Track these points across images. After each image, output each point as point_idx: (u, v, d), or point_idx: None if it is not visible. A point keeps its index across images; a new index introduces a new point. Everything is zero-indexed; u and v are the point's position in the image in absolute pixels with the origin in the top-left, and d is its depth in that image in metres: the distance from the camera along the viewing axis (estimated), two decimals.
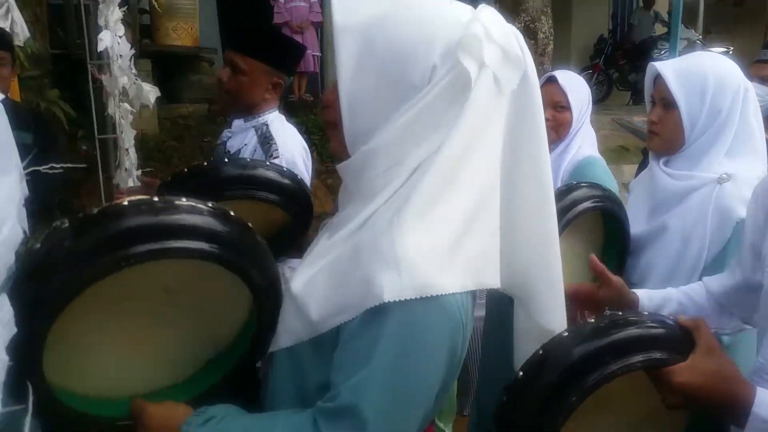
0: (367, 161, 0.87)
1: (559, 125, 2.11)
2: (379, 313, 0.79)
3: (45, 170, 1.06)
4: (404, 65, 0.84)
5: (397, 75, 0.84)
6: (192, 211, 0.82)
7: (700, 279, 1.45)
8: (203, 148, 5.36)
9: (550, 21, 3.60)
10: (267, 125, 1.97)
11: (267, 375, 0.98)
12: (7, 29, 2.76)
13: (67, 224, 0.76)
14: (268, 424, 0.85)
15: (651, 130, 1.62)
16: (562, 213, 1.41)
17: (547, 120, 2.14)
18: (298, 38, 5.67)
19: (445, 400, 0.96)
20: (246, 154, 1.95)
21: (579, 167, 2.04)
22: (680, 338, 0.88)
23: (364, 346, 0.80)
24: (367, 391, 0.78)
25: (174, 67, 6.20)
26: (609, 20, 10.73)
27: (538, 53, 3.55)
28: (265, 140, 1.93)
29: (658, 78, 1.59)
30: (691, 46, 9.30)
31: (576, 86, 2.14)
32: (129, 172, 2.79)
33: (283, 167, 1.38)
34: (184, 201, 0.83)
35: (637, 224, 1.63)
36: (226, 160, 1.68)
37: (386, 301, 0.78)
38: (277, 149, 1.90)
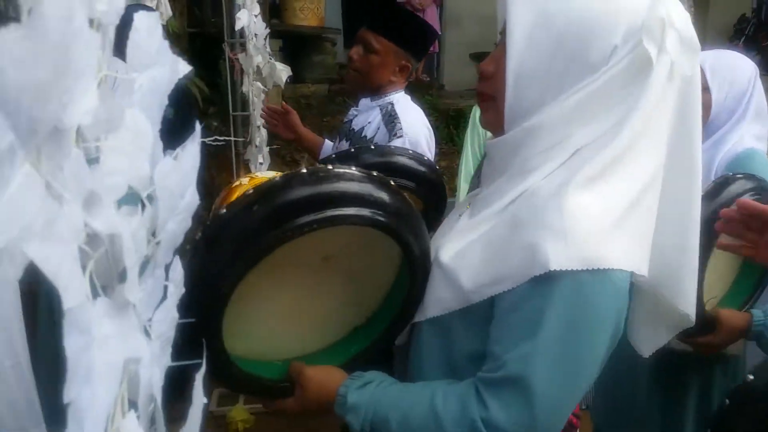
0: (526, 138, 0.86)
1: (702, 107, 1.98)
2: (544, 283, 0.78)
3: (209, 142, 1.13)
4: (585, 43, 0.82)
5: (574, 53, 0.82)
6: (355, 179, 0.85)
7: None
8: (323, 127, 5.49)
9: None
10: (392, 104, 1.98)
11: (410, 347, 0.99)
12: (153, 8, 2.94)
13: (251, 191, 0.80)
14: (426, 392, 0.85)
15: None
16: (718, 210, 1.33)
17: None
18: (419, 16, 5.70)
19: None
20: (369, 131, 1.97)
21: (737, 160, 1.87)
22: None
23: (530, 316, 0.79)
24: (536, 363, 0.77)
25: (299, 47, 6.37)
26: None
27: None
28: (390, 119, 1.94)
29: None
30: None
31: (721, 65, 1.96)
32: (259, 149, 2.90)
33: (422, 156, 1.38)
34: (351, 169, 0.85)
35: None
36: (372, 146, 1.71)
37: (553, 269, 0.76)
38: (401, 128, 1.90)
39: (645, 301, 1.00)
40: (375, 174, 0.87)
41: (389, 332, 1.00)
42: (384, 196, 0.86)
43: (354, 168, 0.86)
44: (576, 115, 0.83)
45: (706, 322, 1.45)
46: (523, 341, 0.78)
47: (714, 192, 1.39)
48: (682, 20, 0.84)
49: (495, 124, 0.91)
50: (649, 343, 1.06)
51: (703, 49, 2.13)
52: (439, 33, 6.63)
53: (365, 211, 0.83)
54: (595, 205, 0.80)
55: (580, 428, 1.26)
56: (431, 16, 6.25)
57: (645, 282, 0.91)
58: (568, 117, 0.83)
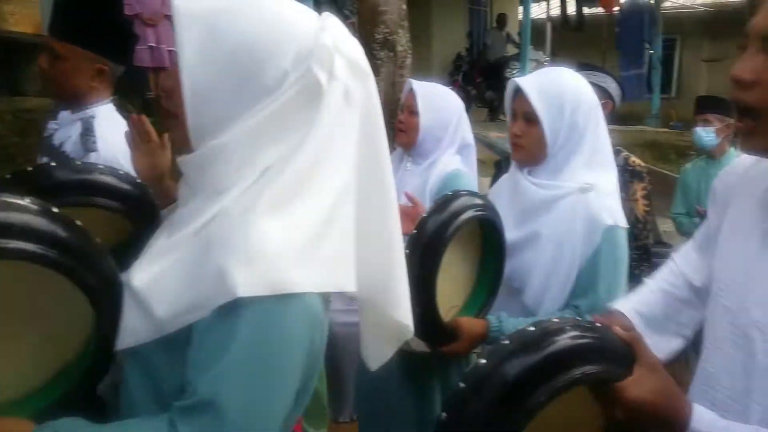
0: (215, 157, 0.86)
1: (409, 128, 2.20)
2: (232, 308, 0.78)
3: None
4: (257, 65, 0.84)
5: (248, 73, 0.84)
6: (13, 209, 0.78)
7: (576, 281, 1.57)
8: None
9: (408, 34, 3.65)
10: (93, 117, 1.85)
11: (120, 383, 0.94)
12: None
13: None
14: (119, 431, 0.83)
15: (515, 143, 1.67)
16: (446, 223, 1.47)
17: (399, 122, 2.22)
18: (150, 31, 5.46)
19: (306, 400, 0.96)
20: (68, 147, 1.83)
21: (447, 179, 2.11)
22: (621, 351, 0.85)
23: (219, 341, 0.79)
24: (225, 385, 0.78)
25: (14, 56, 5.64)
26: (466, 39, 11.26)
27: (397, 65, 3.58)
28: (86, 132, 1.82)
29: (518, 93, 1.65)
30: (539, 67, 9.99)
31: (431, 95, 2.22)
32: None
33: (126, 173, 1.25)
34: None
35: (508, 230, 1.67)
36: (66, 162, 1.52)
37: (240, 296, 0.76)
38: (95, 143, 1.78)
39: (368, 316, 1.04)
40: (33, 201, 0.81)
41: (93, 371, 0.93)
42: (44, 225, 0.80)
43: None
44: (259, 135, 0.84)
45: (447, 331, 1.56)
46: (213, 364, 0.78)
47: (440, 207, 1.49)
48: (351, 48, 0.89)
49: (183, 141, 0.89)
50: (376, 357, 1.08)
51: (427, 80, 2.38)
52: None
53: (16, 244, 0.76)
54: (282, 229, 0.81)
55: None
56: (165, 32, 5.96)
57: (360, 297, 0.93)
58: (252, 137, 0.84)
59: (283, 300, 0.79)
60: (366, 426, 2.12)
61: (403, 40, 3.57)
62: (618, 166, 2.61)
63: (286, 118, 0.85)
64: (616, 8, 10.81)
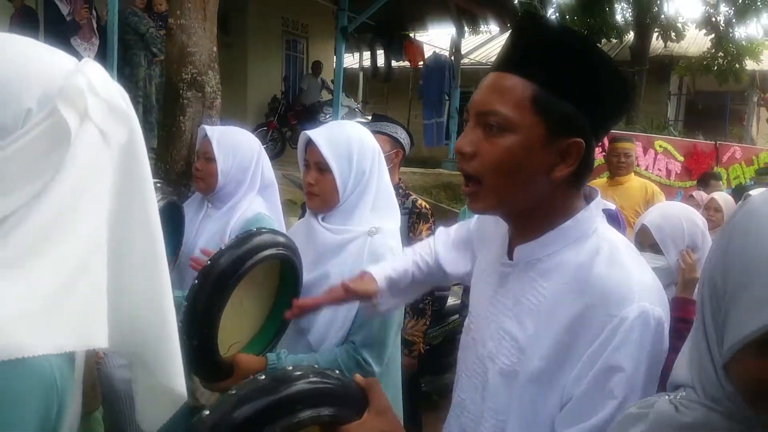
0: None
1: (206, 175, 2.21)
2: None
3: None
4: None
5: None
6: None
7: (355, 317, 1.66)
8: None
9: (218, 76, 3.68)
10: None
11: None
12: None
13: None
14: None
15: (309, 191, 1.76)
16: (242, 259, 1.47)
17: (197, 170, 2.22)
18: None
19: None
20: None
21: (248, 223, 2.12)
22: (355, 396, 0.90)
23: None
24: None
25: None
26: (282, 82, 11.49)
27: (206, 106, 3.58)
28: None
29: (310, 144, 1.76)
30: (352, 114, 10.48)
31: (227, 139, 2.23)
32: None
33: None
34: None
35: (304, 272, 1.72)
36: None
37: None
38: None
39: (138, 376, 0.97)
40: None
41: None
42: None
43: None
44: None
45: (225, 367, 1.54)
46: None
47: (239, 242, 1.49)
48: (108, 89, 0.85)
49: None
50: (151, 419, 1.01)
51: (243, 124, 2.37)
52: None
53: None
54: (15, 290, 0.74)
55: None
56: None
57: (128, 355, 0.87)
58: None
59: (11, 365, 0.71)
60: None
61: (212, 81, 3.59)
62: (407, 208, 2.89)
63: (27, 163, 0.77)
64: (421, 63, 11.74)
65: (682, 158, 8.88)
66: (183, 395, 0.96)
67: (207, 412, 0.80)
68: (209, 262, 1.46)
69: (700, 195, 4.38)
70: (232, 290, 1.46)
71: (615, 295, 0.93)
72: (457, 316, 4.04)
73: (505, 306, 1.07)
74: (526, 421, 1.00)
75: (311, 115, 10.30)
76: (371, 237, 1.72)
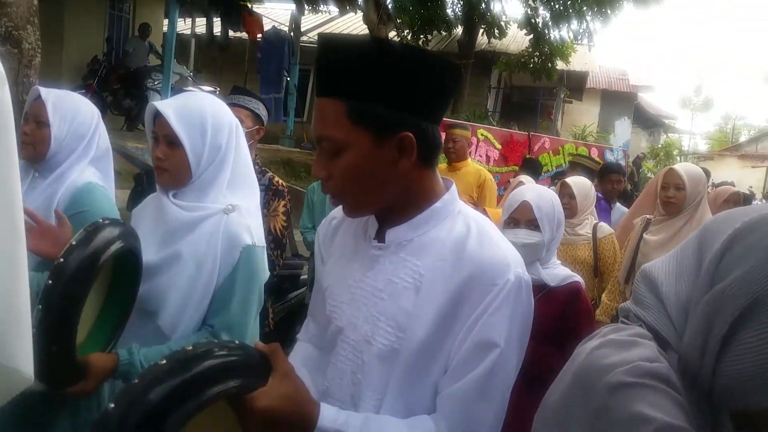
0: None
1: (36, 141, 1.96)
2: None
3: None
4: None
5: None
6: None
7: (211, 300, 1.60)
8: None
9: (38, 32, 3.30)
10: None
11: None
12: None
13: None
14: None
15: (159, 166, 1.66)
16: (94, 256, 1.37)
17: (25, 135, 1.98)
18: None
19: None
20: None
21: (78, 193, 1.93)
22: (258, 364, 0.91)
23: None
24: None
25: None
26: (104, 43, 10.57)
27: (23, 64, 3.21)
28: None
29: (158, 116, 1.64)
30: (183, 81, 9.95)
31: (65, 105, 2.00)
32: None
33: None
34: None
35: (149, 252, 1.63)
36: None
37: None
38: None
39: None
40: None
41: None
42: None
43: None
44: None
45: (75, 370, 1.44)
46: None
47: (86, 239, 1.38)
48: None
49: None
50: None
51: (58, 85, 2.14)
52: None
53: None
54: None
55: None
56: None
57: None
58: None
59: None
60: None
61: (31, 37, 3.23)
62: (263, 185, 2.85)
63: None
64: (260, 36, 11.43)
65: (500, 146, 9.66)
66: (29, 378, 0.87)
67: (112, 405, 0.78)
68: (62, 260, 1.34)
69: (527, 178, 4.82)
70: (89, 290, 1.37)
71: (494, 265, 1.05)
72: (303, 289, 4.07)
73: (375, 288, 1.12)
74: (408, 393, 1.07)
75: (137, 80, 9.63)
76: (227, 215, 1.65)
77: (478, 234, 1.10)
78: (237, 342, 0.93)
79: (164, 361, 0.84)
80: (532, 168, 6.53)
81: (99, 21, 10.52)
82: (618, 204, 5.03)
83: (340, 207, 1.24)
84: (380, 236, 1.15)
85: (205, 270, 1.61)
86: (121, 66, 10.04)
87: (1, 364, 0.84)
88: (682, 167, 3.31)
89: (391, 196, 1.11)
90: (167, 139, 1.64)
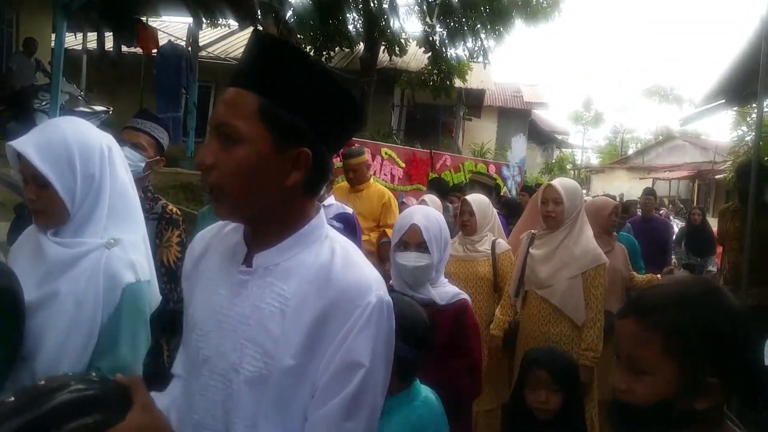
0: None
1: None
2: None
3: None
4: None
5: None
6: None
7: (97, 341, 1.51)
8: None
9: None
10: None
11: None
12: None
13: None
14: None
15: (33, 208, 1.58)
16: None
17: None
18: None
19: None
20: None
21: None
22: (117, 397, 0.89)
23: None
24: None
25: None
26: None
27: None
28: None
29: (22, 156, 1.53)
30: (73, 101, 9.49)
31: None
32: None
33: None
34: None
35: (27, 292, 1.52)
36: None
37: None
38: None
39: None
40: None
41: None
42: None
43: None
44: None
45: None
46: None
47: None
48: None
49: None
50: None
51: None
52: None
53: None
54: None
55: None
56: None
57: None
58: None
59: None
60: None
61: None
62: (156, 213, 2.70)
63: None
64: (155, 51, 11.05)
65: (403, 164, 9.87)
66: None
67: None
68: None
69: (431, 198, 4.96)
70: None
71: (357, 288, 1.09)
72: None
73: (242, 315, 1.12)
74: (280, 419, 1.08)
75: (23, 100, 9.06)
76: (109, 250, 1.59)
77: (343, 258, 1.14)
78: (95, 375, 0.92)
79: (12, 398, 0.80)
80: (439, 188, 6.73)
81: None
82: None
83: (212, 227, 1.25)
84: (248, 260, 1.16)
85: (86, 309, 1.53)
86: (5, 85, 9.42)
87: None
88: (559, 182, 3.51)
89: (267, 208, 1.12)
90: (35, 180, 1.55)
